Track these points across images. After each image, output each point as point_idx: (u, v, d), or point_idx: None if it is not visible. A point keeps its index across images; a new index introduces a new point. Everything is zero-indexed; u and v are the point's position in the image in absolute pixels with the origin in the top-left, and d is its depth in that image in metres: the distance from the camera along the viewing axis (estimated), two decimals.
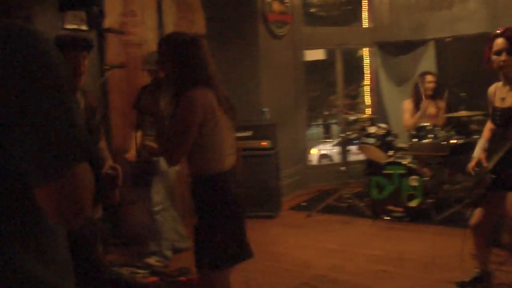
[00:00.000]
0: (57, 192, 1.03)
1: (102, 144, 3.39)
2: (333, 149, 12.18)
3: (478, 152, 3.58)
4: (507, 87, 3.36)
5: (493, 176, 3.33)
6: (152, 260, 4.47)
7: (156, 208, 4.43)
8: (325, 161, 12.43)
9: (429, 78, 6.07)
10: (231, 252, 2.58)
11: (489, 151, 3.46)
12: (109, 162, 3.07)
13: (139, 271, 4.25)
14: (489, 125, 3.60)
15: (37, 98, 1.02)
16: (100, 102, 5.06)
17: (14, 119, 1.01)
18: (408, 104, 6.21)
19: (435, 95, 6.04)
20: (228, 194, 2.61)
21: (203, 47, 2.71)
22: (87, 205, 1.08)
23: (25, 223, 1.10)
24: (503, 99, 3.36)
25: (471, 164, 3.57)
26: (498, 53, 3.27)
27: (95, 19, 4.99)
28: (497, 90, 3.45)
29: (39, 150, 1.01)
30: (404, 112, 6.21)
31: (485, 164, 3.44)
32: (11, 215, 1.08)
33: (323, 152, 12.34)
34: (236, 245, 2.60)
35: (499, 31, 3.32)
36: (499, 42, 3.27)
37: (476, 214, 3.61)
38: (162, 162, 4.38)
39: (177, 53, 2.57)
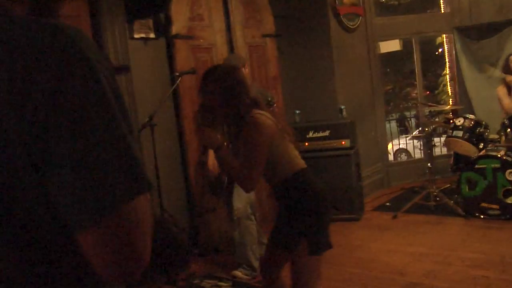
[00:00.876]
0: (107, 235, 0.79)
1: None
2: (409, 143, 11.72)
3: None
4: None
5: None
6: (239, 273, 4.29)
7: (238, 215, 4.25)
8: (402, 156, 11.97)
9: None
10: (326, 237, 2.69)
11: None
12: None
13: (222, 283, 4.10)
14: None
15: (75, 121, 0.77)
16: (172, 113, 5.00)
17: (49, 152, 0.77)
18: (502, 90, 5.74)
19: None
20: (316, 185, 2.73)
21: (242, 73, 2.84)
22: (147, 248, 0.84)
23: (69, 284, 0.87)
24: None
25: None
26: None
27: (163, 26, 4.93)
28: None
29: (82, 186, 0.77)
30: (501, 99, 5.74)
31: None
32: (50, 275, 0.85)
33: (400, 147, 11.88)
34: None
35: None
36: None
37: None
38: None
39: (224, 86, 2.62)
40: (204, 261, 4.86)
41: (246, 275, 4.28)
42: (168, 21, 4.93)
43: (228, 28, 5.51)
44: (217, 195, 4.46)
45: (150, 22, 4.83)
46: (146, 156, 4.47)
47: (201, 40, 5.14)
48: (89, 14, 4.36)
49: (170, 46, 4.97)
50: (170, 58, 4.98)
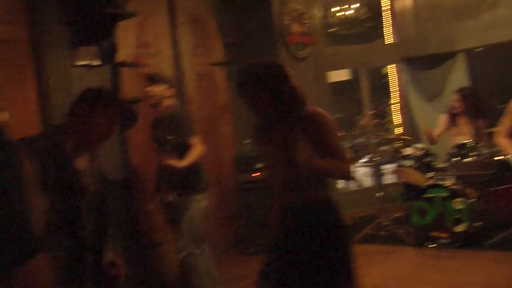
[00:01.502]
0: None
1: None
2: (359, 170, 11.80)
3: None
4: None
5: None
6: None
7: (181, 255, 4.06)
8: (352, 183, 11.99)
9: (455, 97, 5.70)
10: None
11: None
12: (110, 255, 2.65)
13: None
14: None
15: None
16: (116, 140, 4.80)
17: None
18: (442, 118, 5.84)
19: (467, 113, 5.64)
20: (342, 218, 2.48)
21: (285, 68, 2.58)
22: None
23: None
24: None
25: None
26: None
27: (108, 53, 4.75)
28: None
29: None
30: (437, 126, 5.85)
31: None
32: None
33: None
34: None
35: None
36: None
37: None
38: (190, 201, 4.04)
39: (271, 83, 2.47)
40: None
41: None
42: (114, 48, 4.76)
43: (176, 56, 5.39)
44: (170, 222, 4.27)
45: (95, 49, 4.65)
46: None
47: (148, 68, 4.99)
48: (28, 39, 4.14)
49: (115, 74, 4.79)
50: (115, 86, 4.80)
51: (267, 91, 2.44)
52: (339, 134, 2.49)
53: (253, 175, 5.66)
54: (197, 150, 3.99)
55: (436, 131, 5.81)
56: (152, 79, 4.14)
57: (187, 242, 4.05)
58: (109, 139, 2.61)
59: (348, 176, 2.52)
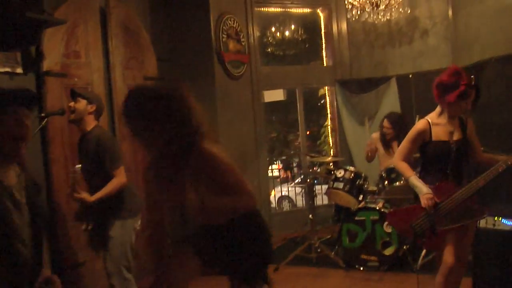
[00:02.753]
0: None
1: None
2: (292, 190, 11.82)
3: (428, 190, 3.42)
4: (453, 122, 3.51)
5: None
6: None
7: (112, 282, 3.83)
8: (285, 203, 12.02)
9: (385, 123, 5.79)
10: None
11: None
12: (46, 271, 2.50)
13: None
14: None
15: None
16: (39, 155, 4.53)
17: None
18: (375, 137, 5.92)
19: (396, 138, 5.74)
20: None
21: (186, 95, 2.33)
22: None
23: None
24: (451, 133, 3.47)
25: (430, 204, 3.39)
26: (469, 100, 3.43)
27: (32, 61, 4.50)
28: (434, 126, 3.50)
29: None
30: (368, 144, 5.93)
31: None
32: None
33: (282, 193, 11.93)
34: None
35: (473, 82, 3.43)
36: (472, 93, 3.41)
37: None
38: (116, 227, 3.84)
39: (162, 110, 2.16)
40: None
41: None
42: (39, 56, 4.51)
43: (107, 68, 5.18)
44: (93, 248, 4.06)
45: (18, 55, 4.38)
46: None
47: (76, 79, 4.75)
48: None
49: (40, 84, 4.53)
50: (40, 96, 4.54)
51: (156, 121, 2.16)
52: (233, 171, 2.36)
53: None
54: (115, 182, 3.78)
55: (371, 148, 5.88)
56: (73, 93, 3.91)
57: (118, 266, 3.84)
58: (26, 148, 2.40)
59: (253, 209, 2.44)
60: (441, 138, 3.47)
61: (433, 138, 3.48)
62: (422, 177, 3.57)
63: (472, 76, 3.51)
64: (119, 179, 3.80)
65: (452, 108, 3.45)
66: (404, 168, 3.57)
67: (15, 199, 2.29)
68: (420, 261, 5.08)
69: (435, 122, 3.52)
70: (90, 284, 4.39)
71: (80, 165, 3.90)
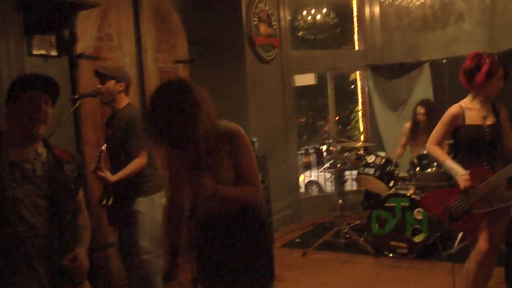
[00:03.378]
0: None
1: (82, 218, 2.71)
2: (321, 175, 11.79)
3: (465, 172, 3.37)
4: (487, 107, 3.45)
5: None
6: None
7: (147, 255, 3.88)
8: (313, 188, 12.00)
9: (419, 109, 5.70)
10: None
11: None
12: (79, 249, 2.52)
13: None
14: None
15: None
16: (72, 137, 4.61)
17: None
18: (405, 129, 5.85)
19: (429, 124, 5.64)
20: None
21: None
22: None
23: None
24: (484, 117, 3.41)
25: (468, 185, 3.33)
26: (502, 79, 3.40)
27: (66, 44, 4.55)
28: (468, 110, 3.47)
29: None
30: (402, 135, 5.86)
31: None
32: None
33: (311, 179, 11.92)
34: None
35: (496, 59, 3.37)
36: (502, 70, 3.38)
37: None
38: (144, 203, 3.88)
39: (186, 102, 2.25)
40: None
41: None
42: (73, 39, 4.56)
43: (139, 51, 5.21)
44: (112, 224, 4.12)
45: (53, 38, 4.44)
46: None
47: (108, 62, 4.79)
48: None
49: (73, 66, 4.59)
50: (73, 79, 4.60)
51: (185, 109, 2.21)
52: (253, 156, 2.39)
53: None
54: (136, 163, 3.80)
55: (401, 141, 5.82)
56: (99, 75, 3.91)
57: (150, 245, 3.89)
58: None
59: (255, 201, 2.39)
60: (475, 122, 3.42)
61: (467, 122, 3.43)
62: (456, 162, 3.53)
63: (495, 56, 3.42)
64: (140, 160, 3.81)
65: (485, 90, 3.40)
66: (438, 152, 3.53)
67: (26, 171, 2.35)
68: (451, 249, 5.05)
69: (468, 107, 3.47)
70: (119, 264, 4.45)
71: (105, 145, 3.95)
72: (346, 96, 9.32)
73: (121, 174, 3.79)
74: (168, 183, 2.59)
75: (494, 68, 3.33)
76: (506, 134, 3.49)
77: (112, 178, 3.77)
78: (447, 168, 3.48)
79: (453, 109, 3.51)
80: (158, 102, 2.24)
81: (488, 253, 3.31)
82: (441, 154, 3.51)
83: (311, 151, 13.27)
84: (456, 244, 5.07)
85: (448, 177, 3.55)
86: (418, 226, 5.05)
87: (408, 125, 5.85)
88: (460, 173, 3.35)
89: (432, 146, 3.57)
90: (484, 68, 3.33)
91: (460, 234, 5.07)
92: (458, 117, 3.46)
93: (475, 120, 3.42)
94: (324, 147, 12.66)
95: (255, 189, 2.35)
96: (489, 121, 3.42)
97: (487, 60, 3.33)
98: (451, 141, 4.75)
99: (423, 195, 4.42)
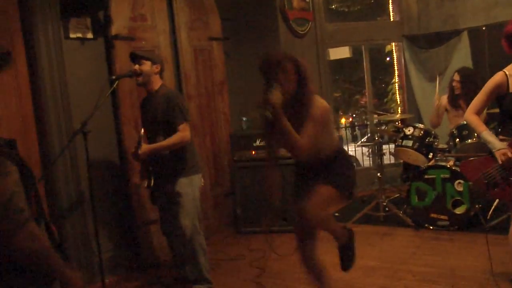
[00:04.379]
0: None
1: None
2: (358, 150, 11.71)
3: (503, 144, 3.30)
4: None
5: None
6: None
7: (189, 233, 3.96)
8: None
9: (455, 77, 5.56)
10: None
11: None
12: None
13: None
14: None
15: None
16: (111, 118, 4.70)
17: None
18: (443, 100, 5.72)
19: (467, 94, 5.51)
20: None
21: None
22: None
23: None
24: None
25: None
26: None
27: (102, 26, 4.62)
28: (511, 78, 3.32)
29: None
30: (436, 107, 5.73)
31: None
32: None
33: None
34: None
35: None
36: None
37: None
38: (184, 184, 3.95)
39: (302, 68, 3.01)
40: (145, 275, 4.59)
41: None
42: (108, 21, 4.62)
43: (173, 30, 5.24)
44: (155, 203, 4.21)
45: (88, 21, 4.51)
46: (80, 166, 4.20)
47: (143, 42, 4.84)
48: (18, 10, 4.00)
49: (109, 48, 4.65)
50: (109, 60, 4.67)
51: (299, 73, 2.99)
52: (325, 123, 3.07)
53: (252, 152, 5.57)
54: (179, 135, 3.83)
55: (438, 112, 5.70)
56: (135, 57, 3.96)
57: (190, 223, 3.96)
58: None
59: (298, 155, 3.07)
60: None
61: (511, 90, 3.30)
62: (500, 131, 3.44)
63: None
64: (184, 133, 3.85)
65: None
66: (476, 122, 3.44)
67: None
68: (494, 221, 4.97)
69: (511, 74, 3.32)
70: (162, 240, 4.55)
71: (142, 130, 4.02)
72: (382, 68, 9.17)
73: (165, 142, 3.86)
74: (267, 152, 3.34)
75: None
76: None
77: (154, 145, 3.85)
78: (484, 140, 3.40)
79: (497, 76, 3.38)
80: (285, 56, 3.01)
81: None
82: (479, 125, 3.42)
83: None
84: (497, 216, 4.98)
85: (489, 148, 3.46)
86: (459, 198, 4.97)
87: (445, 97, 5.73)
88: (497, 147, 3.27)
89: (470, 115, 3.48)
90: None
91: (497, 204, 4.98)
92: (502, 85, 3.34)
93: None
94: (360, 121, 12.54)
95: (306, 144, 2.98)
96: None
97: None
98: (491, 111, 4.67)
99: (462, 162, 4.35)
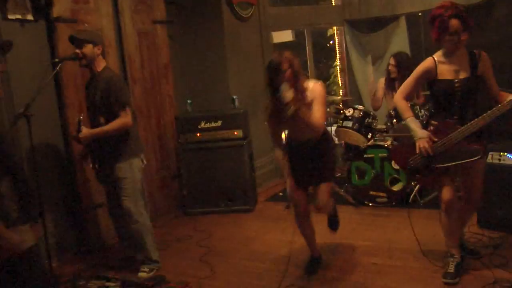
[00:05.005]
0: None
1: None
2: None
3: (425, 133, 3.48)
4: (453, 61, 3.40)
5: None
6: (144, 273, 4.12)
7: (133, 214, 4.02)
8: None
9: (391, 61, 5.80)
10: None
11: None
12: None
13: (110, 283, 3.86)
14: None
15: None
16: (54, 100, 4.65)
17: None
18: (381, 83, 5.94)
19: (403, 78, 5.76)
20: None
21: None
22: None
23: None
24: (456, 71, 3.39)
25: (428, 147, 3.43)
26: (454, 33, 3.26)
27: (42, 8, 4.54)
28: (440, 64, 3.43)
29: None
30: (377, 90, 5.95)
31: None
32: None
33: None
34: None
35: (450, 12, 3.25)
36: (455, 23, 3.23)
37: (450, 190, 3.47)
38: (123, 168, 3.99)
39: (297, 64, 3.51)
40: (92, 258, 4.61)
41: (152, 270, 4.16)
42: (49, 3, 4.54)
43: (116, 13, 5.21)
44: (102, 183, 4.26)
45: (28, 2, 4.42)
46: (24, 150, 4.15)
47: (86, 25, 4.80)
48: None
49: (51, 30, 4.59)
50: (51, 42, 4.61)
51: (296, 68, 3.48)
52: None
53: (197, 134, 5.64)
54: (120, 121, 3.88)
55: (377, 94, 5.92)
56: (75, 40, 3.93)
57: (133, 206, 4.02)
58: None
59: (318, 128, 3.53)
60: (446, 76, 3.40)
61: (438, 77, 3.42)
62: (433, 114, 3.61)
63: (460, 8, 3.25)
64: (125, 119, 3.89)
65: (445, 45, 3.37)
66: (404, 107, 3.56)
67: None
68: (428, 197, 5.26)
69: (441, 60, 3.43)
70: (109, 223, 4.58)
71: (82, 114, 4.04)
72: (325, 52, 9.36)
73: (106, 127, 3.89)
74: (272, 133, 3.81)
75: (449, 24, 3.23)
76: (489, 85, 3.43)
77: (95, 130, 3.88)
78: (407, 126, 3.55)
79: (426, 62, 3.49)
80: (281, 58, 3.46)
81: (451, 204, 3.43)
82: (406, 110, 3.54)
83: None
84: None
85: (424, 127, 3.61)
86: (396, 175, 5.23)
87: (383, 80, 5.96)
88: (418, 136, 3.44)
89: (400, 99, 3.56)
90: (436, 22, 3.29)
91: None
92: (430, 71, 3.45)
93: (446, 74, 3.40)
94: None
95: (321, 119, 3.52)
96: (463, 74, 3.38)
97: (443, 13, 3.25)
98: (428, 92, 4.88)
99: (391, 147, 4.55)
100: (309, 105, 3.48)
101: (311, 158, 3.69)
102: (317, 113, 3.47)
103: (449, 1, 3.33)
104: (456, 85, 3.38)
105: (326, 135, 3.75)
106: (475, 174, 3.51)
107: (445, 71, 3.41)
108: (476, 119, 3.30)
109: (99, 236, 4.91)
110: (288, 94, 3.31)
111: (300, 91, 3.44)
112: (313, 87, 3.53)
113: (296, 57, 3.52)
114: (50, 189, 4.54)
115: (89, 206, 4.82)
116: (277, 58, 3.48)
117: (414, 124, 3.51)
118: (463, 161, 3.36)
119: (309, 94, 3.50)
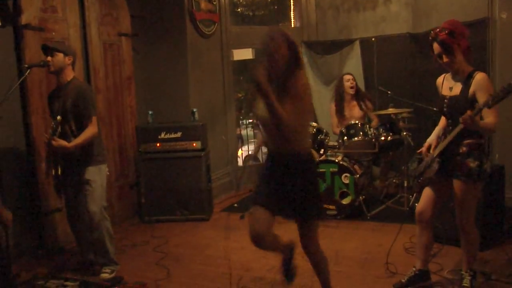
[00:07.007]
0: None
1: None
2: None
3: (431, 138, 3.64)
4: (454, 79, 3.47)
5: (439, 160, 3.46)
6: (106, 274, 4.25)
7: (97, 219, 4.16)
8: (250, 162, 12.34)
9: (347, 77, 6.16)
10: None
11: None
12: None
13: (68, 283, 3.98)
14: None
15: None
16: (18, 106, 4.75)
17: None
18: (332, 111, 6.29)
19: (358, 96, 6.16)
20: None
21: None
22: None
23: None
24: (450, 88, 3.48)
25: (423, 148, 3.63)
26: (439, 56, 3.39)
27: (10, 15, 4.66)
28: (445, 80, 3.57)
29: None
30: (331, 116, 6.29)
31: (432, 150, 3.56)
32: None
33: (250, 152, 12.27)
34: None
35: (431, 36, 3.41)
36: (435, 47, 3.38)
37: (422, 201, 3.64)
38: (93, 172, 4.15)
39: (293, 47, 3.07)
40: (49, 262, 4.69)
41: (113, 271, 4.29)
42: (17, 10, 4.67)
43: (83, 24, 5.38)
44: (59, 193, 4.35)
45: None
46: None
47: (53, 33, 4.95)
48: None
49: (18, 37, 4.71)
50: (18, 49, 4.72)
51: (289, 51, 3.03)
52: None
53: (157, 144, 5.82)
54: (90, 130, 4.05)
55: (332, 121, 6.24)
56: (47, 48, 4.08)
57: (98, 210, 4.16)
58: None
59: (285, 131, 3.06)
60: (442, 92, 3.55)
61: (440, 92, 3.58)
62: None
63: (443, 32, 3.31)
64: (94, 128, 4.07)
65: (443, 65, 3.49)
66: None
67: None
68: (374, 211, 5.58)
69: (447, 77, 3.56)
70: (66, 227, 4.67)
71: (59, 117, 4.16)
72: None
73: (78, 140, 4.03)
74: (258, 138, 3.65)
75: (433, 46, 3.37)
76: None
77: (70, 145, 3.99)
78: None
79: (438, 78, 3.64)
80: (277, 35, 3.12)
81: (418, 215, 3.64)
82: (440, 122, 3.66)
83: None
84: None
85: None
86: (345, 189, 5.53)
87: (333, 105, 6.30)
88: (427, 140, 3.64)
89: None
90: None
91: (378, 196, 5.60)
92: (438, 86, 3.61)
93: (444, 90, 3.53)
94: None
95: (292, 121, 2.96)
96: (454, 91, 3.42)
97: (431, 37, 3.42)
98: (380, 112, 5.20)
99: None
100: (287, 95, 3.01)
101: (292, 178, 3.17)
102: (287, 106, 2.98)
103: (447, 21, 3.42)
104: (445, 101, 3.46)
105: (311, 156, 3.27)
106: (455, 196, 3.47)
107: (445, 87, 3.53)
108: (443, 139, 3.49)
109: (57, 240, 5.00)
110: (259, 70, 2.98)
111: (285, 78, 3.03)
112: (301, 82, 3.06)
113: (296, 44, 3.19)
114: (10, 193, 4.61)
115: (48, 211, 4.91)
116: (277, 32, 3.20)
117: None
118: (423, 173, 3.56)
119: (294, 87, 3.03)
